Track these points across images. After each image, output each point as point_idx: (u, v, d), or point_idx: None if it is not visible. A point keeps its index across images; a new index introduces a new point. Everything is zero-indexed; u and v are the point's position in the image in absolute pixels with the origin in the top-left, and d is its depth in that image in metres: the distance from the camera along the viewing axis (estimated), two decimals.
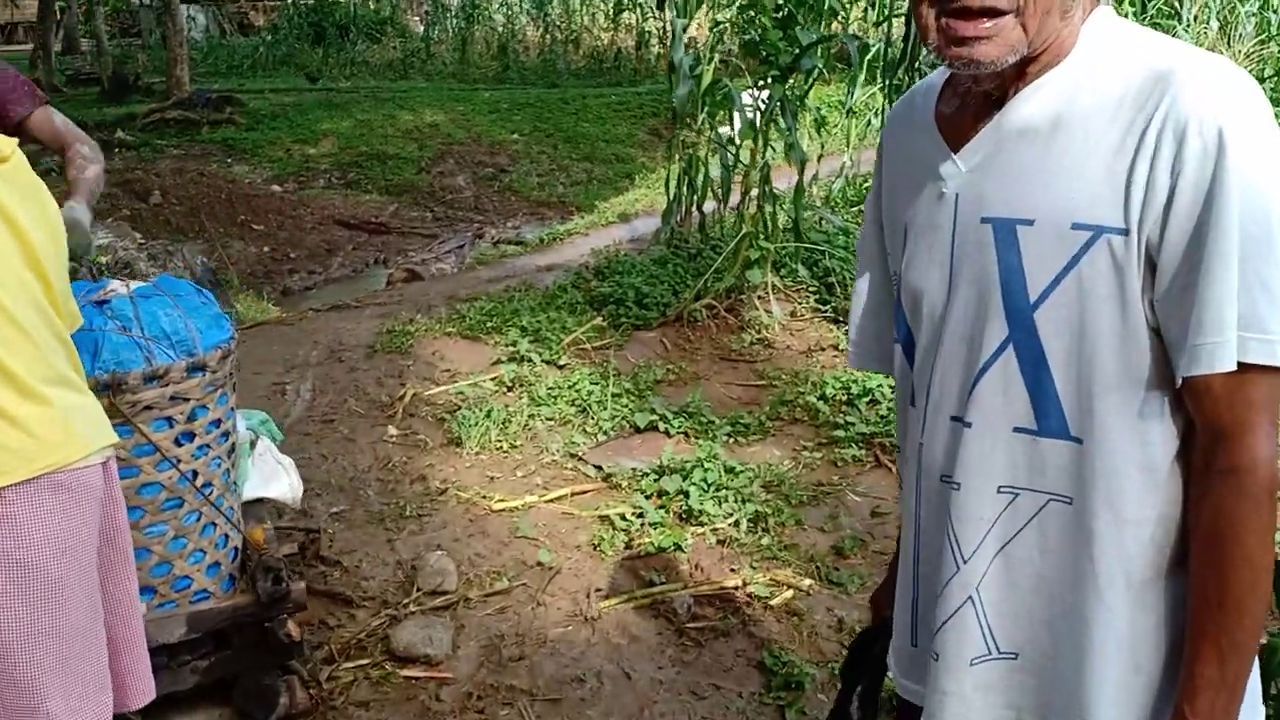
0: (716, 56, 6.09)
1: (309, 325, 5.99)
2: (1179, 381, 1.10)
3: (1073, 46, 1.14)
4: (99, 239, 6.23)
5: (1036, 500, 1.19)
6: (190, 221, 10.63)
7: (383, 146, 13.95)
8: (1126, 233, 1.08)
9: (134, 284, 2.32)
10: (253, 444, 2.77)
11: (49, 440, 1.69)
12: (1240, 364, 1.05)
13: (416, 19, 24.61)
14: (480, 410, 4.48)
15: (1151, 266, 1.09)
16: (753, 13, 5.45)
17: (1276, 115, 1.11)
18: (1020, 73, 1.14)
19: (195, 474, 2.29)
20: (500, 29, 21.03)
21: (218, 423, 2.34)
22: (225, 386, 2.37)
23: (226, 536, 2.41)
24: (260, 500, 2.73)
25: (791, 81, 5.65)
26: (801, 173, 5.87)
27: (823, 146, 7.75)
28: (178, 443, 2.25)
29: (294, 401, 4.74)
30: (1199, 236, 1.04)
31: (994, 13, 1.07)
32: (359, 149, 13.88)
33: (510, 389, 4.80)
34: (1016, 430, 1.18)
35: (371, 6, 24.83)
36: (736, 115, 5.90)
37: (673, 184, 6.35)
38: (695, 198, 6.43)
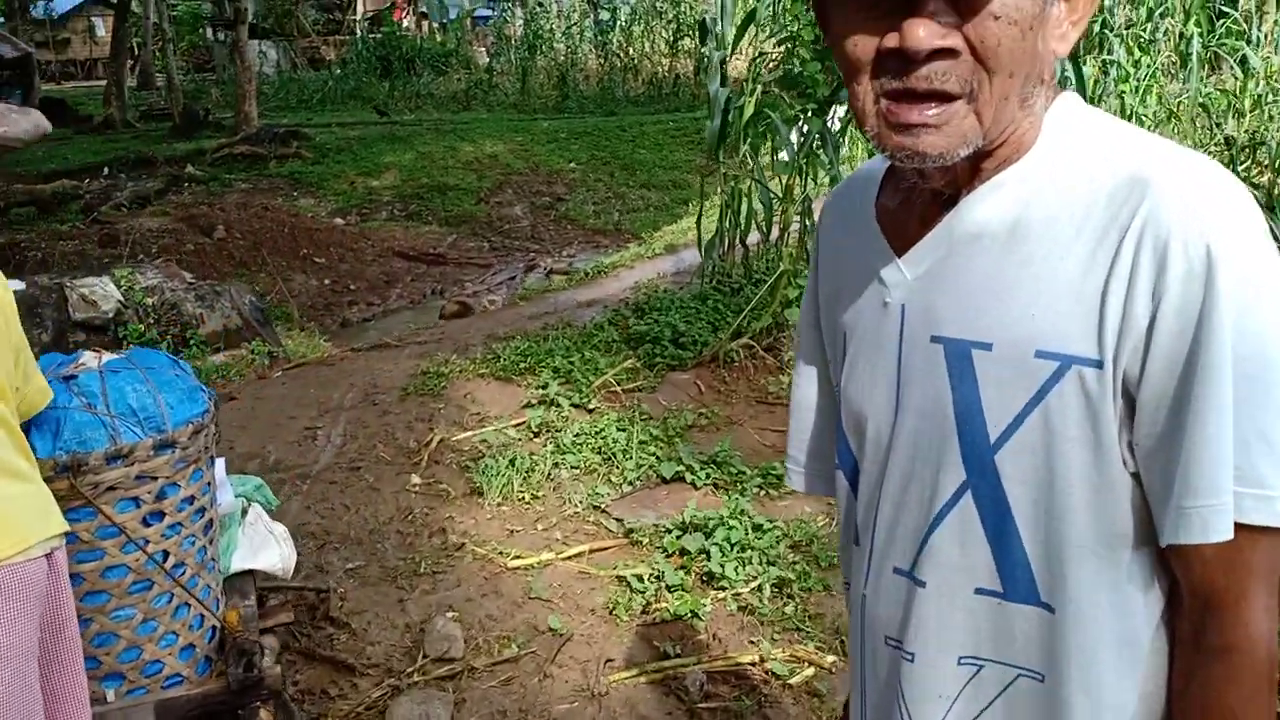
0: (758, 88, 5.95)
1: (348, 366, 5.99)
2: (1163, 542, 0.92)
3: (1034, 140, 0.97)
4: (149, 280, 6.34)
5: (1004, 674, 1.01)
6: (253, 256, 10.83)
7: (443, 178, 14.12)
8: (1100, 365, 0.90)
9: (106, 356, 2.27)
10: (244, 512, 2.70)
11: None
12: (1235, 524, 0.87)
13: (482, 50, 24.98)
14: (504, 458, 4.38)
15: (1130, 404, 0.91)
16: (792, 45, 5.30)
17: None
18: (974, 168, 0.98)
19: (166, 554, 2.22)
20: (561, 58, 21.18)
21: (191, 500, 2.27)
22: (200, 461, 2.29)
23: (202, 617, 2.33)
24: (250, 571, 2.65)
25: (833, 113, 5.47)
26: None
27: None
28: (145, 523, 2.18)
29: (324, 447, 4.71)
30: (1186, 376, 0.87)
31: (943, 97, 0.89)
32: (420, 181, 14.06)
33: (536, 435, 4.70)
34: (979, 592, 1.01)
35: (438, 39, 25.28)
36: (778, 149, 5.75)
37: (712, 217, 6.22)
38: (738, 231, 6.29)
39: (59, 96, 24.15)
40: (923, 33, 0.86)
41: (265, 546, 2.67)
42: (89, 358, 2.26)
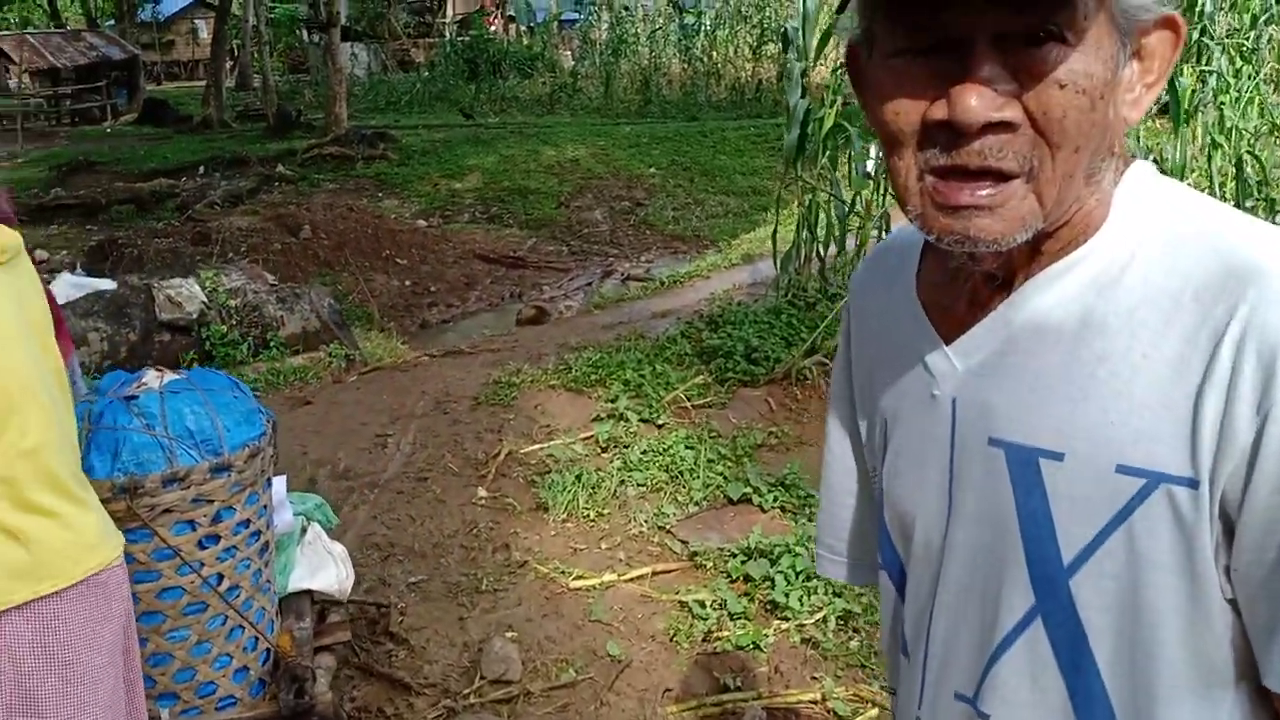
0: (839, 100, 5.82)
1: (422, 372, 6.03)
2: (1268, 683, 0.80)
3: (1103, 219, 0.84)
4: (232, 282, 6.49)
5: None
6: (337, 255, 11.03)
7: (525, 181, 14.22)
8: (1195, 484, 0.78)
9: (168, 376, 2.28)
10: (303, 530, 2.71)
11: (90, 540, 1.69)
12: None
13: (567, 54, 25.16)
14: (571, 474, 4.35)
15: (1229, 526, 0.79)
16: None
17: None
18: (1033, 250, 0.85)
19: (220, 577, 2.23)
20: (645, 62, 21.19)
21: (246, 523, 2.28)
22: (256, 485, 2.30)
23: (256, 639, 2.33)
24: (308, 590, 2.65)
25: None
26: None
27: None
28: (201, 545, 2.19)
29: (393, 455, 4.74)
30: None
31: (998, 175, 0.77)
32: (502, 184, 14.20)
33: (604, 450, 4.65)
34: None
35: (525, 43, 25.53)
36: (857, 162, 5.62)
37: (788, 229, 6.10)
38: (814, 245, 6.16)
39: (162, 97, 25.13)
40: (976, 103, 0.74)
41: (323, 567, 2.67)
42: (151, 377, 2.28)
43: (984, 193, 0.77)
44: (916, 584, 0.99)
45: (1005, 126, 0.75)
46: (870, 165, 5.46)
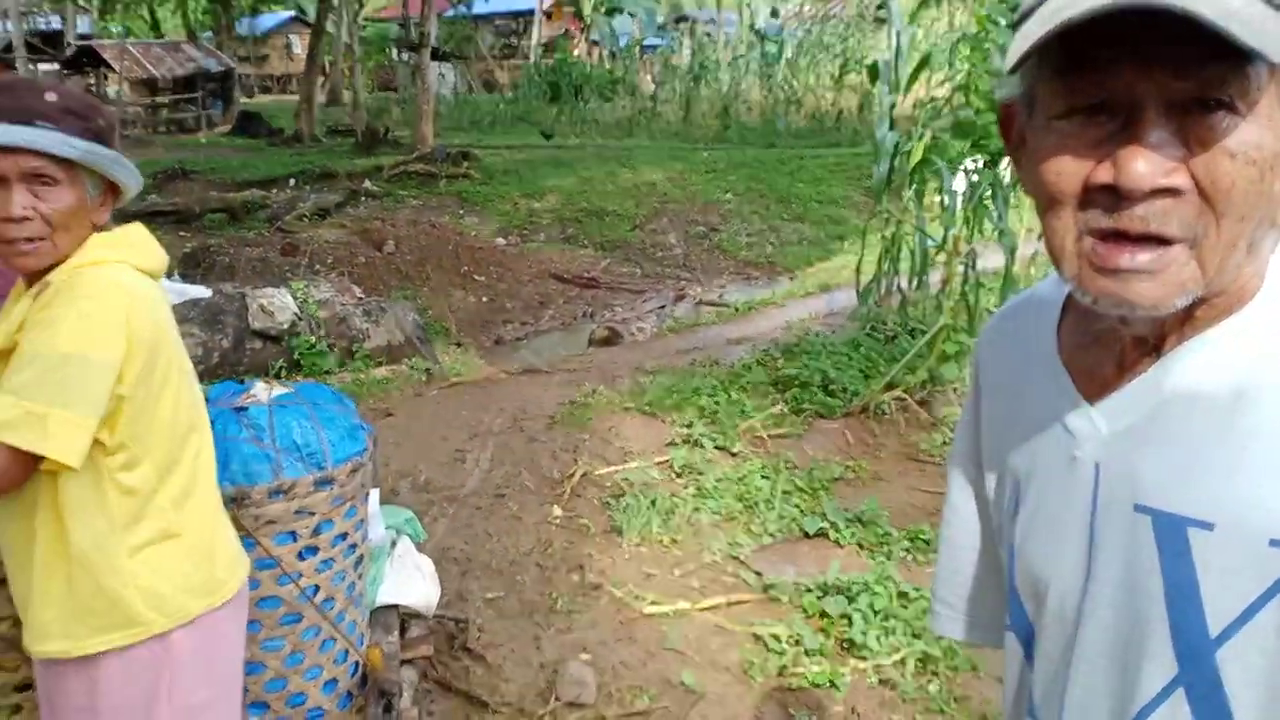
0: (928, 133, 5.78)
1: (499, 389, 6.12)
2: None
3: (1257, 289, 0.83)
4: (322, 294, 6.66)
5: None
6: (418, 270, 11.24)
7: (602, 203, 14.35)
8: None
9: (276, 389, 2.36)
10: (393, 544, 2.76)
11: (238, 550, 1.79)
12: None
13: (649, 78, 25.38)
14: (645, 498, 4.36)
15: None
16: (966, 93, 5.12)
17: None
18: (1186, 314, 0.84)
19: (317, 589, 2.28)
20: (725, 89, 21.26)
21: (344, 536, 2.34)
22: (355, 499, 2.36)
23: (346, 652, 2.39)
24: (394, 605, 2.71)
25: (1006, 164, 5.25)
26: (1011, 260, 5.44)
27: None
28: (300, 557, 2.25)
29: (472, 471, 4.81)
30: None
31: (1160, 241, 0.76)
32: (580, 205, 14.34)
33: (679, 476, 4.66)
34: None
35: (607, 67, 25.83)
36: (946, 196, 5.57)
37: (870, 260, 6.07)
38: (896, 278, 6.11)
39: (255, 110, 25.93)
40: (1143, 168, 0.74)
41: (411, 582, 2.72)
42: (260, 389, 2.36)
43: (1145, 257, 0.77)
44: (1048, 648, 0.97)
45: (1172, 192, 0.75)
46: (960, 183, 5.40)
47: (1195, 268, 0.77)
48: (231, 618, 1.72)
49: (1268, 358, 0.81)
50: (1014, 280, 5.51)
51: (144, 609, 1.57)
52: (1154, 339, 0.87)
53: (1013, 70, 0.82)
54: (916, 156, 5.71)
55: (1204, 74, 0.73)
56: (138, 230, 1.70)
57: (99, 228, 1.62)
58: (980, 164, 5.23)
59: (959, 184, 5.43)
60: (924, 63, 6.08)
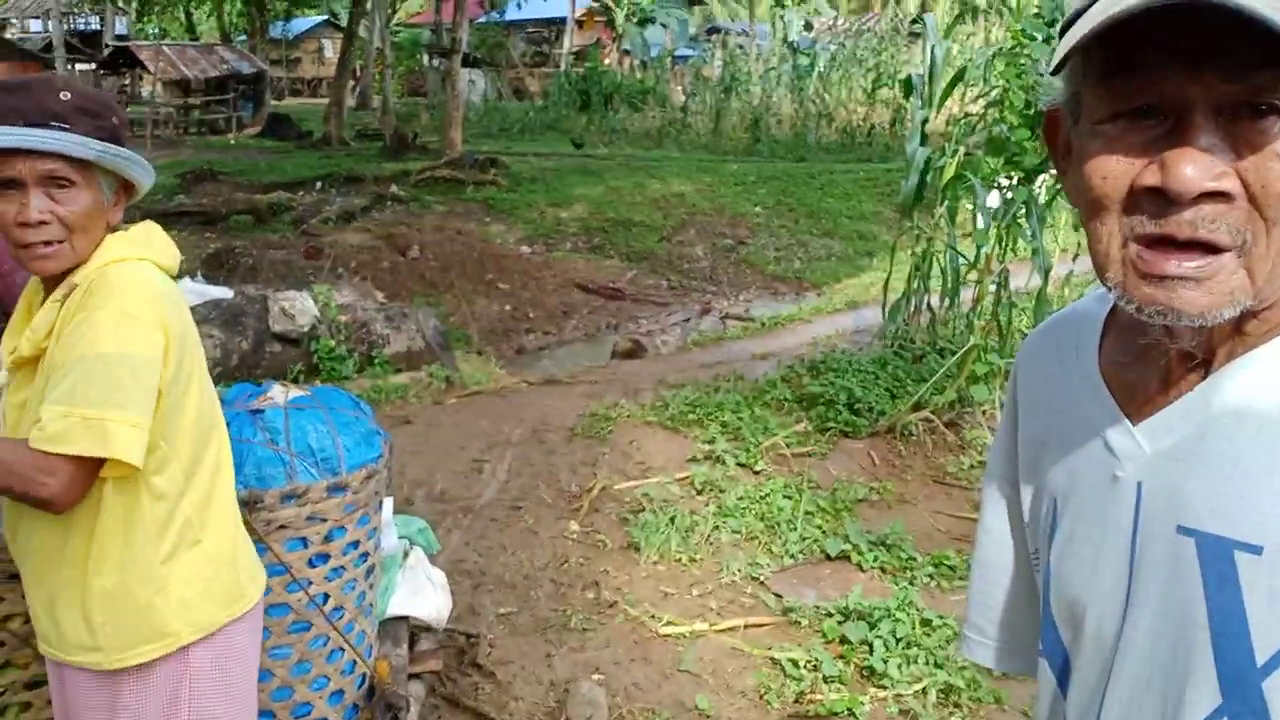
0: (961, 150, 5.69)
1: (519, 399, 6.06)
2: None
3: None
4: (344, 298, 6.64)
5: None
6: (442, 277, 11.22)
7: (629, 214, 14.29)
8: None
9: (293, 392, 2.31)
10: (406, 554, 2.70)
11: (255, 559, 1.74)
12: None
13: (678, 89, 25.38)
14: (664, 515, 4.29)
15: None
16: (1000, 109, 5.03)
17: None
18: (1236, 329, 0.81)
19: (326, 597, 2.23)
20: (756, 101, 21.21)
21: (356, 544, 2.28)
22: (368, 507, 2.30)
23: (354, 663, 2.33)
24: (405, 617, 2.64)
25: (1041, 182, 5.16)
26: (1046, 280, 5.34)
27: (1079, 245, 7.06)
28: (311, 564, 2.19)
29: (489, 482, 4.75)
30: None
31: (1209, 248, 0.74)
32: (607, 215, 14.29)
33: (699, 492, 4.58)
34: None
35: (638, 77, 25.85)
36: (979, 214, 5.48)
37: (899, 276, 5.98)
38: (926, 296, 6.02)
39: (285, 112, 26.12)
40: (1191, 171, 0.72)
41: (422, 592, 2.66)
42: (277, 392, 2.31)
43: (1192, 264, 0.75)
44: (1084, 675, 0.93)
45: (1221, 197, 0.73)
46: (994, 200, 5.31)
47: (1244, 276, 0.75)
48: (248, 630, 1.67)
49: None
50: (1048, 301, 5.41)
51: (173, 619, 1.53)
52: (1202, 354, 0.84)
53: (1055, 71, 0.80)
54: (949, 173, 5.62)
55: (1254, 77, 0.71)
56: (152, 228, 1.66)
57: (113, 227, 1.58)
58: (1014, 181, 5.13)
59: (993, 201, 5.33)
60: (958, 78, 6.00)
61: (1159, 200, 0.74)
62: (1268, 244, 0.74)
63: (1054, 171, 5.34)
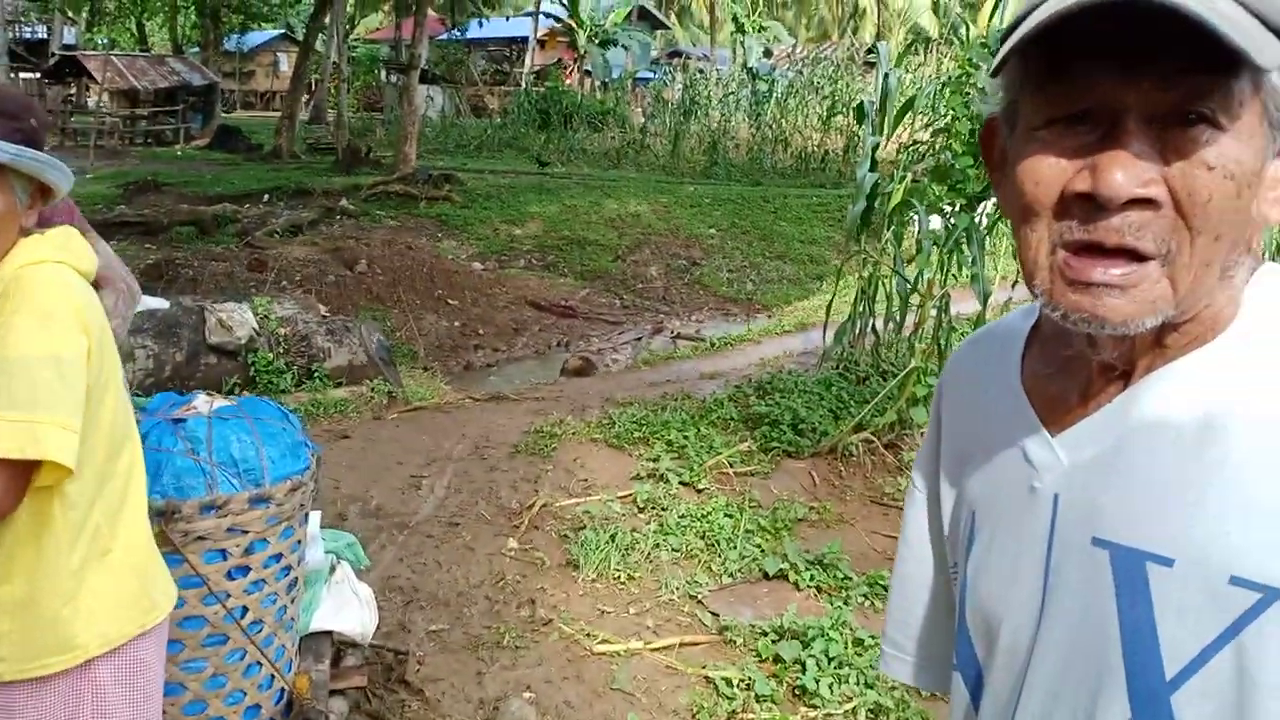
0: (908, 176, 5.79)
1: (463, 415, 6.02)
2: None
3: (1231, 318, 0.82)
4: (285, 310, 6.55)
5: None
6: (390, 292, 11.10)
7: (584, 232, 14.30)
8: None
9: (218, 402, 2.27)
10: (332, 569, 2.66)
11: (166, 575, 1.69)
12: None
13: (638, 110, 25.51)
14: (605, 532, 4.27)
15: None
16: (947, 137, 5.13)
17: None
18: (1156, 343, 0.82)
19: (245, 610, 2.18)
20: (714, 125, 21.39)
21: (278, 557, 2.24)
22: (293, 519, 2.26)
23: (272, 677, 2.28)
24: (328, 632, 2.60)
25: (982, 209, 5.26)
26: (985, 304, 5.43)
27: (1018, 272, 7.20)
28: (230, 576, 2.15)
29: (426, 497, 4.70)
30: None
31: (1134, 256, 0.75)
32: (562, 233, 14.28)
33: (641, 511, 4.58)
34: None
35: (598, 97, 25.95)
36: (923, 239, 5.56)
37: (846, 302, 6.05)
38: (871, 319, 6.09)
39: (235, 125, 25.79)
40: (1121, 177, 0.73)
41: (347, 607, 2.62)
42: (201, 402, 2.27)
43: (1118, 271, 0.75)
44: (997, 689, 0.93)
45: (1148, 204, 0.74)
46: (936, 222, 5.39)
47: (1167, 286, 0.76)
48: (155, 644, 1.63)
49: (1238, 389, 0.79)
50: (985, 324, 5.49)
51: (80, 632, 1.49)
52: (1122, 366, 0.84)
53: (994, 73, 0.81)
54: (896, 198, 5.71)
55: (1187, 84, 0.72)
56: (71, 233, 1.63)
57: (25, 231, 1.54)
58: (957, 208, 5.22)
59: (935, 225, 5.42)
60: (908, 106, 6.10)
61: (1088, 206, 0.75)
62: (1191, 254, 0.75)
63: (995, 200, 5.49)
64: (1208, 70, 0.71)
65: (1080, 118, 0.76)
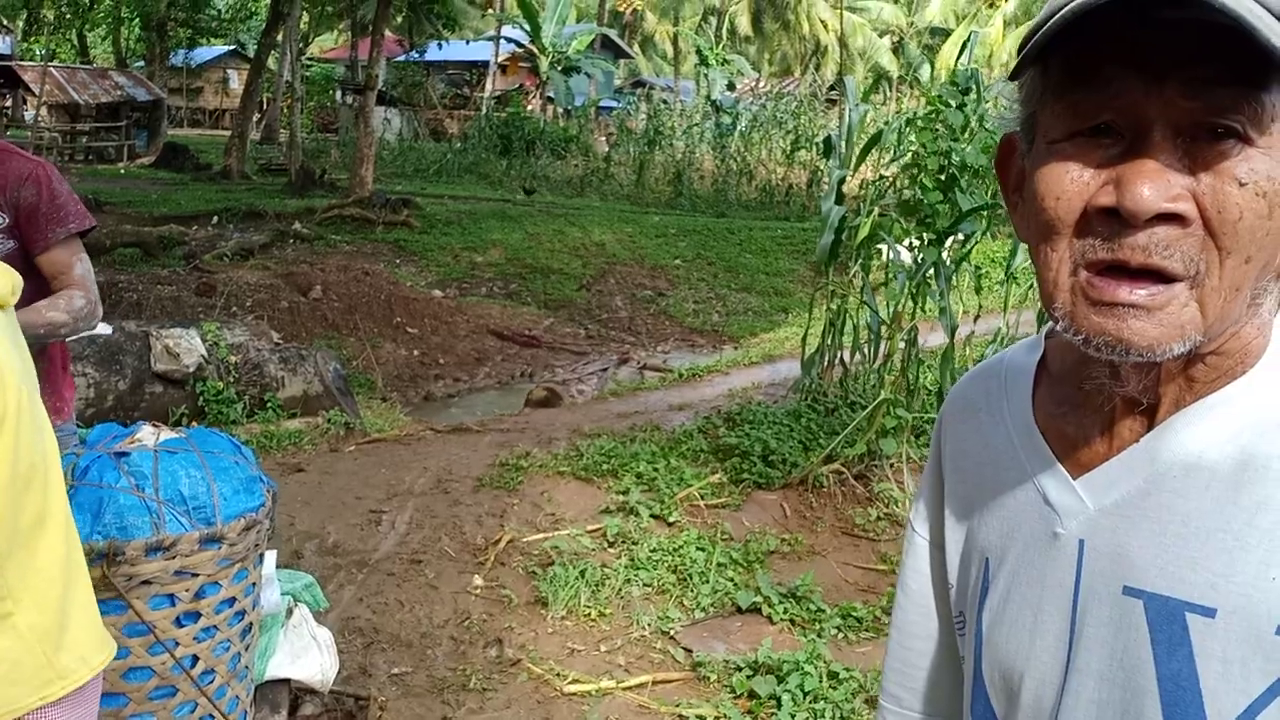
0: (875, 210, 5.77)
1: (424, 447, 5.86)
2: None
3: (1262, 350, 0.77)
4: (236, 337, 6.34)
5: None
6: (346, 319, 10.86)
7: (548, 260, 14.19)
8: None
9: (164, 434, 2.12)
10: (289, 612, 2.51)
11: (99, 635, 1.51)
12: None
13: (602, 139, 25.53)
14: (574, 568, 4.14)
15: None
16: (915, 171, 5.12)
17: None
18: (1185, 376, 0.77)
19: (195, 659, 2.03)
20: (679, 156, 21.46)
21: (231, 601, 2.09)
22: (247, 560, 2.11)
23: None
24: (286, 680, 2.45)
25: (949, 244, 5.25)
26: (952, 338, 5.42)
27: (979, 306, 7.23)
28: (178, 623, 2.00)
29: (387, 534, 4.54)
30: None
31: (1161, 276, 0.70)
32: (525, 261, 14.16)
33: (611, 545, 4.46)
34: None
35: (561, 124, 25.94)
36: (892, 273, 5.55)
37: (816, 333, 6.01)
38: (839, 350, 6.06)
39: (183, 143, 25.30)
40: (1148, 191, 0.68)
41: (306, 653, 2.47)
42: (146, 433, 2.12)
43: (1144, 292, 0.71)
44: None
45: (1176, 220, 0.69)
46: (905, 257, 5.38)
47: (1195, 310, 0.71)
48: (68, 714, 1.45)
49: (1275, 426, 0.74)
50: (952, 359, 5.49)
51: None
52: (1147, 400, 0.78)
53: (1013, 77, 0.78)
54: (864, 231, 5.68)
55: (1216, 95, 0.68)
56: None
57: None
58: (925, 243, 5.21)
59: (905, 257, 5.41)
60: (874, 140, 6.11)
61: (1112, 223, 0.71)
62: (1221, 276, 0.70)
63: (961, 235, 5.48)
64: (1237, 81, 0.68)
65: (1103, 130, 0.72)
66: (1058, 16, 0.70)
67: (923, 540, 1.02)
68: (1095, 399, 0.81)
